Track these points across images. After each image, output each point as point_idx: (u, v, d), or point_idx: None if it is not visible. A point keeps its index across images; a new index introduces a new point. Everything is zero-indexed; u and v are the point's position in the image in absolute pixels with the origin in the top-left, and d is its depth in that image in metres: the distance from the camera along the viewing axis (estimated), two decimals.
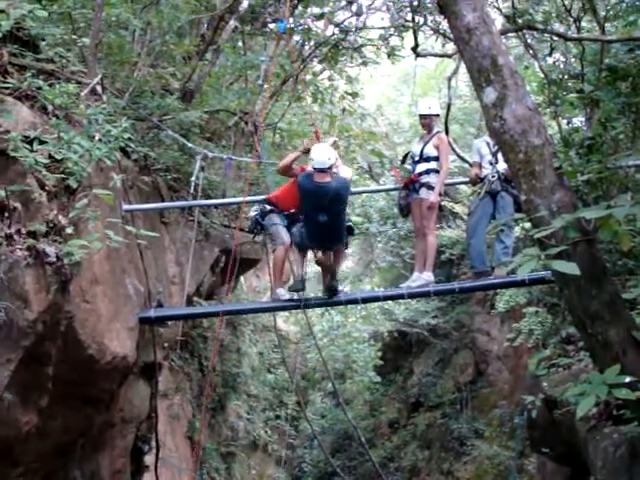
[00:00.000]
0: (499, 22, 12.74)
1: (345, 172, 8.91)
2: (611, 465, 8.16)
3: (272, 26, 15.34)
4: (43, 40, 8.20)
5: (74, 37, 8.87)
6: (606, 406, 8.69)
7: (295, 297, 9.19)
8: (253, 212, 9.34)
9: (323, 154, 8.40)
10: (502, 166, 9.10)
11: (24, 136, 6.48)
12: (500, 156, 8.85)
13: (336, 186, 8.39)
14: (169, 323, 9.56)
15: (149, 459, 11.33)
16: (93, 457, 9.09)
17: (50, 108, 7.13)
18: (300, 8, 14.40)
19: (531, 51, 13.84)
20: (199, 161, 10.15)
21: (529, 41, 13.63)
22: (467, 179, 10.30)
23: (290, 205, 9.03)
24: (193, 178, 9.99)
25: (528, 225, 7.77)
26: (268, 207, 9.14)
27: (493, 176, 9.38)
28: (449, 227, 22.55)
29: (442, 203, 10.03)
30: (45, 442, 7.24)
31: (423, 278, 9.24)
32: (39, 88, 7.09)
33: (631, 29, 10.27)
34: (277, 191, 9.55)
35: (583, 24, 12.47)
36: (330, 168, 8.41)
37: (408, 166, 9.86)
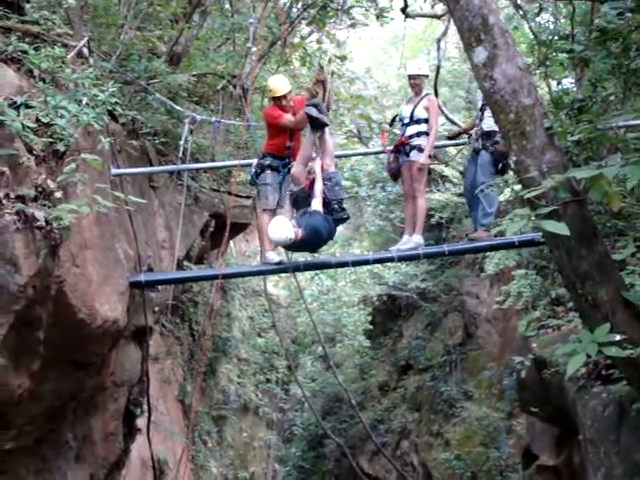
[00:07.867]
0: None
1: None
2: (600, 424, 8.25)
3: None
4: (28, 2, 8.09)
5: None
6: (595, 366, 8.78)
7: (285, 261, 9.19)
8: (254, 167, 9.20)
9: (276, 233, 8.23)
10: (487, 123, 9.06)
11: (11, 100, 6.43)
12: (486, 113, 8.83)
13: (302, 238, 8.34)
14: (159, 287, 9.56)
15: (141, 422, 11.43)
16: (85, 420, 9.15)
17: (36, 72, 7.05)
18: None
19: (520, 11, 13.73)
20: (187, 124, 10.08)
21: (518, 1, 13.52)
22: (456, 141, 10.32)
23: (282, 148, 8.94)
24: (182, 142, 9.92)
25: (518, 187, 7.78)
26: (267, 161, 8.98)
27: (476, 133, 9.34)
28: (438, 190, 22.54)
29: (431, 166, 10.02)
30: (37, 405, 7.27)
31: (413, 241, 9.25)
32: (24, 52, 7.01)
33: None
34: (267, 141, 9.29)
35: None
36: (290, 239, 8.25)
37: (396, 130, 9.81)
